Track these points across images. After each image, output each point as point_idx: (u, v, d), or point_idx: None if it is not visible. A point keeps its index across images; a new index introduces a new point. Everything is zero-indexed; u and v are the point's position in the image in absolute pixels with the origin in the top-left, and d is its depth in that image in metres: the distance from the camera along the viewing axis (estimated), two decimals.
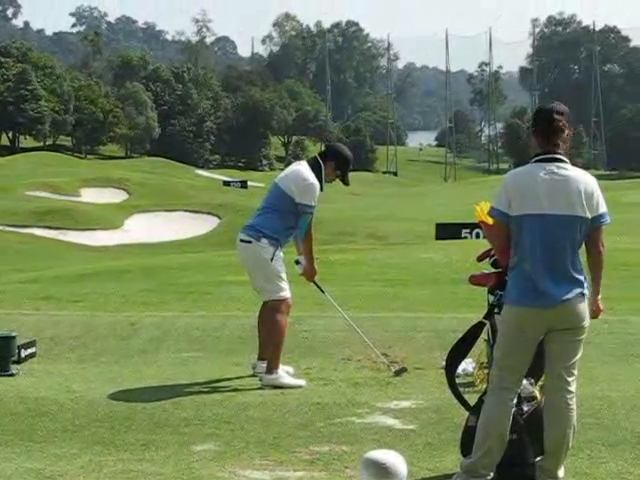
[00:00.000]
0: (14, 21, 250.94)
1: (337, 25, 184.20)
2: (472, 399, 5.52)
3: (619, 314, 11.36)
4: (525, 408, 5.31)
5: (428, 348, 9.03)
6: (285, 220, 7.75)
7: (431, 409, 6.84)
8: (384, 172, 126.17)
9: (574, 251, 4.99)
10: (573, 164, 5.07)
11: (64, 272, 23.10)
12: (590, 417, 6.51)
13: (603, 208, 5.05)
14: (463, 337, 5.53)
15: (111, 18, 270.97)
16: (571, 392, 5.09)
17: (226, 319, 10.90)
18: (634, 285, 15.34)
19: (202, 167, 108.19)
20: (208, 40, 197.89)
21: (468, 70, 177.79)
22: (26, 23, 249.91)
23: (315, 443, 6.04)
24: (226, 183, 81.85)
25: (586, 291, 5.05)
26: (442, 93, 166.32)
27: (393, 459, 4.45)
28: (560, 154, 5.03)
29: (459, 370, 5.90)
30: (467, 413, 5.46)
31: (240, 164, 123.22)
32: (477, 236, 29.05)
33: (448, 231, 32.70)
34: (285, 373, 7.74)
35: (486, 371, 6.41)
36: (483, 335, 5.61)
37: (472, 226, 30.04)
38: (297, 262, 8.10)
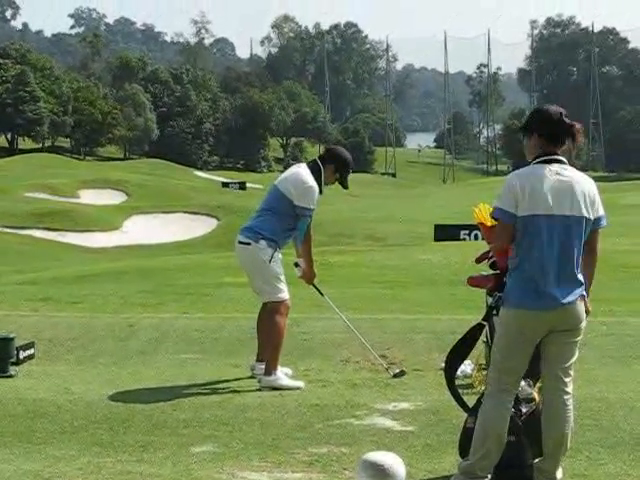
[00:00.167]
0: (13, 22, 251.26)
1: (336, 26, 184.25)
2: (471, 401, 5.52)
3: (618, 316, 11.38)
4: (523, 409, 5.31)
5: (427, 350, 9.03)
6: (284, 222, 7.75)
7: (430, 411, 6.83)
8: (383, 173, 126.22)
9: (579, 252, 4.99)
10: (571, 166, 5.08)
11: (63, 273, 23.10)
12: (589, 419, 6.51)
13: (602, 210, 5.08)
14: (462, 339, 5.53)
15: (110, 19, 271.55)
16: (568, 393, 5.09)
17: (225, 321, 10.90)
18: (633, 287, 15.36)
19: (201, 169, 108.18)
20: (207, 41, 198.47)
21: (467, 71, 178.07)
22: (25, 24, 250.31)
23: (313, 444, 6.03)
24: (225, 185, 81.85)
25: (584, 292, 5.06)
26: (441, 94, 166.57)
27: (391, 460, 4.45)
28: (560, 155, 5.04)
29: (458, 372, 5.89)
30: (466, 415, 5.45)
31: (239, 165, 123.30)
32: (476, 238, 29.06)
33: (447, 233, 32.70)
34: (284, 375, 7.74)
35: (485, 373, 6.40)
36: (482, 337, 5.61)
37: (471, 228, 30.06)
38: (296, 265, 8.10)
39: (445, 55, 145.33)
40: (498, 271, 5.46)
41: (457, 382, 5.73)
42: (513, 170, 5.17)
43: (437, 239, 32.29)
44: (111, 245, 46.56)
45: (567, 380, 5.08)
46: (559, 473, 5.12)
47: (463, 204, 35.69)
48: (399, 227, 44.80)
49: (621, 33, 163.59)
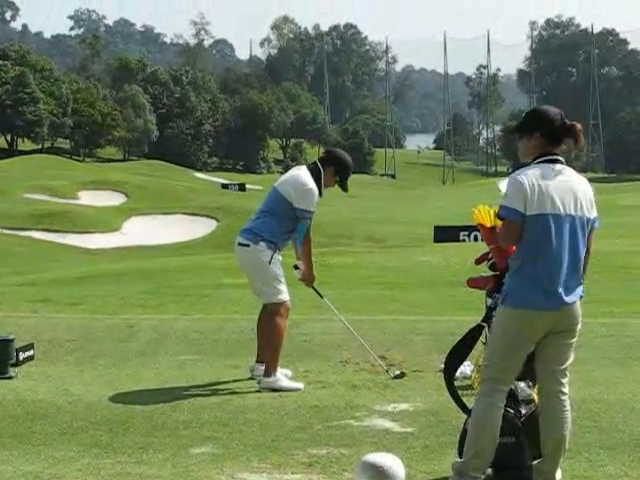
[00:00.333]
0: (12, 24, 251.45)
1: (335, 28, 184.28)
2: (470, 402, 5.52)
3: (618, 317, 11.39)
4: (523, 411, 5.31)
5: (426, 351, 9.03)
6: (283, 224, 7.75)
7: (429, 412, 6.83)
8: (382, 175, 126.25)
9: (584, 252, 5.00)
10: (571, 167, 5.08)
11: (62, 275, 23.11)
12: (588, 420, 6.51)
13: (596, 211, 5.10)
14: (461, 340, 5.53)
15: (109, 21, 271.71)
16: (566, 394, 5.09)
17: (224, 322, 10.91)
18: (633, 288, 15.36)
19: (200, 170, 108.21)
20: (206, 43, 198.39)
21: (466, 73, 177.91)
22: (24, 26, 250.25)
23: (313, 446, 6.03)
24: (224, 186, 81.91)
25: (582, 293, 5.07)
26: (440, 96, 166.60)
27: (391, 462, 4.46)
28: (560, 155, 5.05)
29: (457, 373, 5.89)
30: (465, 416, 5.45)
31: (238, 167, 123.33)
32: (475, 239, 29.07)
33: (446, 234, 32.72)
34: (283, 376, 7.74)
35: None
36: (482, 338, 5.61)
37: (470, 229, 30.08)
38: (296, 267, 8.10)
39: (445, 56, 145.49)
40: (498, 272, 5.46)
41: (456, 383, 5.74)
42: (513, 171, 5.14)
43: (437, 240, 32.30)
44: (110, 246, 46.57)
45: (564, 381, 5.08)
46: (558, 474, 5.12)
47: (463, 205, 35.71)
48: (399, 228, 44.81)
49: (621, 34, 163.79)
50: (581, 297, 5.04)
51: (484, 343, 5.92)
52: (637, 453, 5.83)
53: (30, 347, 8.79)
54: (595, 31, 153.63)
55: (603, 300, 12.78)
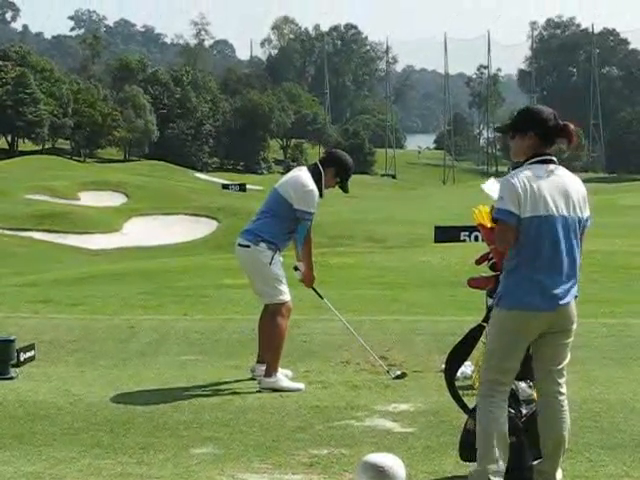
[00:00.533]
0: (13, 24, 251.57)
1: (336, 28, 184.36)
2: (471, 402, 5.52)
3: (618, 317, 11.39)
4: (524, 411, 5.30)
5: (427, 351, 9.03)
6: (284, 225, 7.75)
7: (430, 412, 6.83)
8: (383, 175, 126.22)
9: (578, 252, 5.00)
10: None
11: (63, 275, 23.12)
12: (589, 420, 6.51)
13: (589, 210, 5.11)
14: (462, 340, 5.53)
15: (110, 21, 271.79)
16: (563, 394, 5.08)
17: (225, 322, 10.91)
18: (633, 288, 15.36)
19: (201, 170, 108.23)
20: (207, 43, 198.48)
21: (467, 73, 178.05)
22: (25, 26, 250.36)
23: (314, 446, 6.03)
24: (225, 186, 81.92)
25: (577, 293, 5.06)
26: (441, 96, 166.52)
27: (392, 462, 4.47)
28: (552, 155, 5.05)
29: (458, 373, 5.89)
30: (466, 416, 5.46)
31: (239, 167, 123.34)
32: (476, 239, 29.06)
33: (447, 234, 32.72)
34: (284, 376, 7.74)
35: None
36: (482, 338, 5.61)
37: (471, 229, 30.05)
38: (296, 268, 8.09)
39: (445, 56, 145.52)
40: (498, 272, 5.46)
41: (457, 383, 5.74)
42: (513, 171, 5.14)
43: (437, 240, 32.31)
44: (111, 247, 46.60)
45: (561, 381, 5.08)
46: (559, 474, 5.11)
47: (463, 205, 35.68)
48: (399, 228, 44.81)
49: (621, 34, 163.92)
50: (576, 297, 5.05)
51: (484, 343, 5.93)
52: (638, 453, 5.83)
53: (31, 348, 8.79)
54: (596, 31, 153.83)
55: (604, 300, 12.79)
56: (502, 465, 4.98)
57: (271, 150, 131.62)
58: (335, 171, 7.92)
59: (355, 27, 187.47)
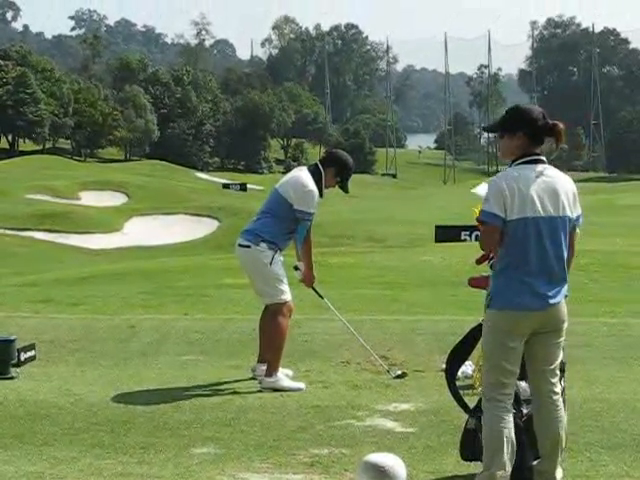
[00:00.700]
0: (13, 24, 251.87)
1: (336, 28, 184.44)
2: (471, 402, 5.52)
3: (619, 316, 11.38)
4: (524, 410, 5.30)
5: (427, 351, 9.03)
6: (284, 225, 7.75)
7: (430, 412, 6.83)
8: (383, 174, 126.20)
9: (567, 251, 5.00)
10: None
11: (63, 275, 23.11)
12: (590, 419, 6.51)
13: (580, 209, 5.10)
14: (463, 340, 5.52)
15: (110, 21, 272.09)
16: (557, 393, 5.07)
17: (225, 322, 10.91)
18: (633, 288, 15.34)
19: (201, 170, 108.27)
20: (207, 43, 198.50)
21: (467, 72, 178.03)
22: (25, 26, 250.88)
23: (315, 446, 6.03)
24: (225, 186, 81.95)
25: (567, 292, 5.05)
26: (441, 95, 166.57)
27: (392, 462, 4.45)
28: (541, 155, 5.03)
29: (459, 373, 5.88)
30: (467, 416, 5.45)
31: (239, 167, 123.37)
32: (476, 238, 28.88)
33: (447, 233, 32.71)
34: (284, 376, 7.74)
35: None
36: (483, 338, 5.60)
37: (471, 228, 30.02)
38: (296, 268, 8.09)
39: (445, 56, 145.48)
40: None
41: (458, 383, 5.74)
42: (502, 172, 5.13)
43: (438, 240, 32.28)
44: (112, 247, 46.61)
45: (554, 381, 5.07)
46: (559, 473, 5.10)
47: (463, 205, 35.69)
48: (399, 228, 44.80)
49: (622, 34, 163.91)
50: (566, 296, 5.04)
51: None
52: (639, 453, 5.83)
53: (31, 347, 8.79)
54: (596, 30, 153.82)
55: (604, 300, 12.77)
56: (509, 470, 4.95)
57: (272, 150, 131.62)
58: (335, 171, 7.92)
59: (356, 27, 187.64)
